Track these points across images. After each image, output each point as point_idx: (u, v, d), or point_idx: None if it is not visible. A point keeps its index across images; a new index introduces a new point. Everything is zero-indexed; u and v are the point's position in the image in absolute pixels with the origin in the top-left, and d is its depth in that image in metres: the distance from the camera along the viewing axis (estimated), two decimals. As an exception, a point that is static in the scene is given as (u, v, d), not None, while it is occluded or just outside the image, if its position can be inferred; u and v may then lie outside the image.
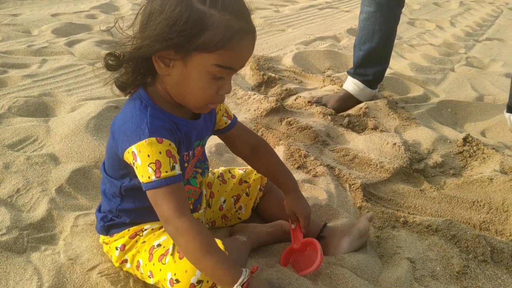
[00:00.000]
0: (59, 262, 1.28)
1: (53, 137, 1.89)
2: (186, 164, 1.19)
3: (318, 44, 3.68)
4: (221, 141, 1.94)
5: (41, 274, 1.24)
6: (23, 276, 1.23)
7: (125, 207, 1.22)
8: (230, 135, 1.37)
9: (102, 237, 1.30)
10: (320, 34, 3.95)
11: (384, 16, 2.32)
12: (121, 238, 1.25)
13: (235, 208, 1.47)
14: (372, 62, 2.45)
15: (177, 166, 1.06)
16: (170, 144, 1.06)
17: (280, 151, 1.97)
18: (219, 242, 1.18)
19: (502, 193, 1.78)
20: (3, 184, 1.59)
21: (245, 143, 1.40)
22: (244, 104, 2.46)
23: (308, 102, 2.46)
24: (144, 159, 1.04)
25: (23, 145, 1.84)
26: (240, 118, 2.26)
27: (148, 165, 1.04)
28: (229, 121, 1.35)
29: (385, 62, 2.51)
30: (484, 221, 1.66)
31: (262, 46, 3.49)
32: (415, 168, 1.95)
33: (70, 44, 3.12)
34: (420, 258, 1.41)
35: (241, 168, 1.53)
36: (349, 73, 2.55)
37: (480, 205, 1.74)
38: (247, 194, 1.47)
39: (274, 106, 2.31)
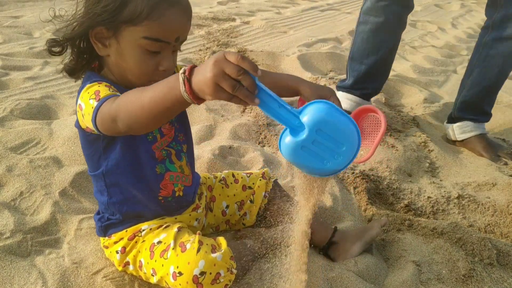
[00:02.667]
0: (64, 266, 1.27)
1: (56, 139, 1.88)
2: (149, 137, 1.18)
3: (320, 46, 3.67)
4: (225, 143, 1.96)
5: (45, 278, 1.23)
6: (27, 280, 1.22)
7: (115, 200, 1.23)
8: None
9: (102, 240, 1.30)
10: (322, 36, 3.95)
11: (395, 25, 2.17)
12: (120, 240, 1.25)
13: (239, 214, 1.46)
14: (375, 75, 2.27)
15: (118, 94, 1.03)
16: (110, 86, 1.07)
17: (283, 153, 1.96)
18: (221, 239, 1.18)
19: (506, 195, 1.77)
20: (6, 187, 1.58)
21: None
22: (247, 106, 2.45)
23: None
24: (86, 99, 1.03)
25: (25, 148, 1.83)
26: (243, 120, 2.25)
27: (89, 99, 1.02)
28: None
29: (387, 73, 2.36)
30: (489, 224, 1.65)
31: (265, 48, 3.49)
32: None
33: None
34: (425, 261, 1.41)
35: (245, 172, 1.51)
36: (341, 88, 2.33)
37: (484, 208, 1.73)
38: (252, 201, 1.46)
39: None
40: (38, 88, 2.42)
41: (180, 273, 1.09)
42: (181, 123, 1.31)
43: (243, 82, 0.81)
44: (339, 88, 2.33)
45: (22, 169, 1.67)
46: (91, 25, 1.06)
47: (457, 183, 1.91)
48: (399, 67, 3.35)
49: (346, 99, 2.28)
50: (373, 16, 2.14)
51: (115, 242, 1.25)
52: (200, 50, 3.32)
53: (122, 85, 1.14)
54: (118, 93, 1.04)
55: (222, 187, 1.45)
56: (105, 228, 1.27)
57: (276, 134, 2.14)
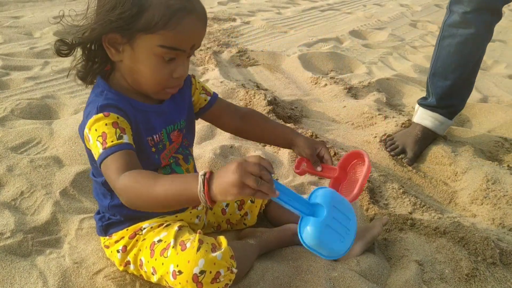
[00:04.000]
0: (64, 266, 1.27)
1: (56, 139, 1.88)
2: (153, 149, 1.18)
3: (320, 46, 3.67)
4: (226, 143, 1.95)
5: (46, 278, 1.22)
6: (28, 280, 1.22)
7: (116, 203, 1.21)
8: (214, 111, 1.36)
9: (102, 239, 1.29)
10: (322, 36, 3.94)
11: (484, 36, 2.02)
12: (121, 239, 1.24)
13: (240, 214, 1.45)
14: (460, 90, 2.12)
15: (126, 136, 1.04)
16: (118, 118, 1.06)
17: (285, 153, 1.96)
18: (222, 238, 1.17)
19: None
20: (6, 187, 1.58)
21: (232, 115, 1.39)
22: (247, 105, 2.44)
23: (383, 143, 2.14)
24: (93, 135, 1.04)
25: (26, 148, 1.83)
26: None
27: (97, 140, 1.03)
28: (209, 98, 1.35)
29: (472, 88, 2.17)
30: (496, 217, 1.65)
31: (265, 48, 3.48)
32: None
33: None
34: (428, 261, 1.40)
35: None
36: (424, 105, 2.17)
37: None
38: (252, 201, 1.45)
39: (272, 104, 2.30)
40: (39, 88, 2.41)
41: (180, 272, 1.08)
42: (189, 129, 1.31)
43: (264, 178, 0.87)
44: (423, 105, 2.18)
45: (23, 169, 1.66)
46: (104, 32, 1.04)
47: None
48: (400, 66, 3.34)
49: (431, 118, 2.14)
50: (462, 28, 2.01)
51: (116, 241, 1.25)
52: (201, 50, 3.31)
53: (132, 91, 1.13)
54: (124, 140, 1.03)
55: None
56: (106, 227, 1.26)
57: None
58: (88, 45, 1.11)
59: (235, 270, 1.12)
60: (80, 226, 1.43)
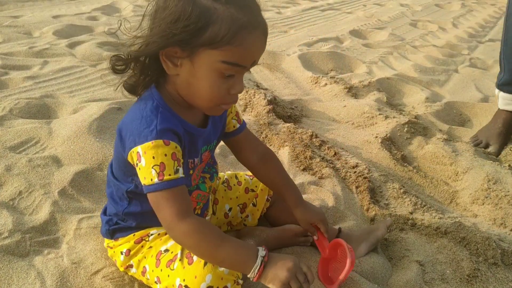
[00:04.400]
0: (63, 266, 1.26)
1: (55, 139, 1.87)
2: (191, 172, 1.16)
3: (320, 46, 3.66)
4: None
5: (44, 278, 1.21)
6: (25, 280, 1.21)
7: (132, 210, 1.19)
8: (237, 140, 1.33)
9: (106, 241, 1.27)
10: (322, 36, 3.93)
11: None
12: (126, 242, 1.22)
13: (241, 217, 1.44)
14: None
15: (181, 170, 1.04)
16: (176, 147, 1.04)
17: (285, 153, 1.95)
18: None
19: None
20: (4, 186, 1.57)
21: (253, 150, 1.35)
22: (247, 105, 2.43)
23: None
24: (148, 160, 1.01)
25: (25, 147, 1.81)
26: (244, 119, 2.23)
27: (152, 167, 1.01)
28: (238, 125, 1.31)
29: None
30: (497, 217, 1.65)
31: (265, 47, 3.47)
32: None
33: (72, 45, 3.10)
34: (429, 261, 1.39)
35: (247, 174, 1.48)
36: (503, 86, 2.12)
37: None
38: (254, 205, 1.44)
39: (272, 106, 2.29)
40: (38, 87, 2.40)
41: (187, 287, 1.06)
42: (215, 148, 1.30)
43: (304, 286, 1.04)
44: (502, 87, 2.14)
45: (21, 168, 1.65)
46: (164, 45, 0.99)
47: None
48: (400, 66, 3.33)
49: (510, 101, 2.14)
50: None
51: (120, 245, 1.23)
52: (201, 49, 3.30)
53: (183, 107, 1.10)
54: (180, 175, 1.03)
55: (225, 190, 1.43)
56: (113, 231, 1.24)
57: (277, 133, 2.12)
58: (143, 58, 1.07)
59: (241, 282, 1.11)
60: (78, 226, 1.42)
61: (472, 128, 2.46)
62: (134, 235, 1.21)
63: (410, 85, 2.93)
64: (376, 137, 2.16)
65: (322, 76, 2.95)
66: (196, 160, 1.16)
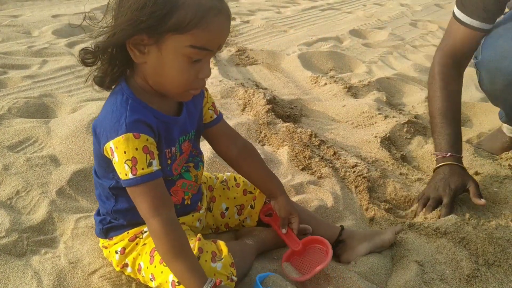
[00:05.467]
0: (60, 266, 1.25)
1: (53, 138, 1.86)
2: (169, 161, 1.16)
3: (320, 45, 3.65)
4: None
5: (41, 278, 1.21)
6: (22, 280, 1.20)
7: (120, 207, 1.19)
8: (215, 131, 1.33)
9: (101, 241, 1.27)
10: (322, 35, 3.93)
11: None
12: (120, 241, 1.22)
13: (239, 219, 1.43)
14: None
15: (155, 162, 1.05)
16: (147, 139, 1.04)
17: (284, 152, 1.94)
18: (222, 245, 1.16)
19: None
20: (2, 186, 1.56)
21: (232, 143, 1.36)
22: (246, 104, 2.43)
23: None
24: (120, 155, 1.02)
25: (23, 147, 1.81)
26: (243, 118, 2.23)
27: (125, 162, 1.02)
28: (215, 115, 1.33)
29: None
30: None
31: (265, 47, 3.47)
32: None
33: (71, 45, 3.10)
34: (429, 261, 1.38)
35: None
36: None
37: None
38: (252, 207, 1.43)
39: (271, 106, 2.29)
40: (36, 86, 2.40)
41: (179, 283, 1.06)
42: (196, 139, 1.30)
43: None
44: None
45: (19, 167, 1.64)
46: (132, 33, 0.99)
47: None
48: (400, 66, 3.32)
49: None
50: None
51: (115, 243, 1.22)
52: (200, 49, 3.29)
53: (154, 96, 1.11)
54: (154, 168, 1.04)
55: (223, 188, 1.42)
56: (106, 230, 1.23)
57: (276, 133, 2.11)
58: (110, 49, 1.07)
59: (235, 279, 1.11)
60: (76, 225, 1.41)
61: (472, 128, 2.45)
62: (128, 233, 1.21)
63: (410, 85, 2.93)
64: (376, 136, 2.16)
65: (322, 76, 2.95)
66: (173, 149, 1.16)
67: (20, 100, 2.17)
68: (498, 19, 1.77)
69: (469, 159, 2.00)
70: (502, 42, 1.68)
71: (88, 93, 2.37)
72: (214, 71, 2.87)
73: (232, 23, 4.11)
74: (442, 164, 1.69)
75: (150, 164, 1.03)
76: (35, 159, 1.70)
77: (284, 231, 1.35)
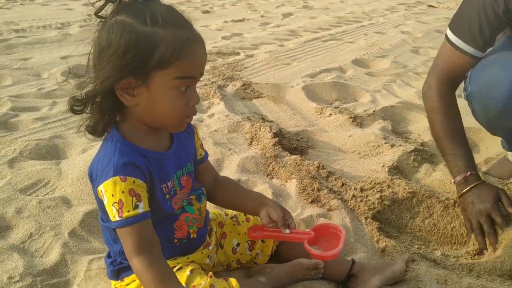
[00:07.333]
0: (74, 309, 1.26)
1: (64, 179, 1.89)
2: (167, 196, 1.19)
3: (324, 76, 3.70)
4: (233, 176, 1.95)
5: (55, 322, 1.21)
6: (37, 325, 1.21)
7: None
8: (200, 168, 1.38)
9: (113, 282, 1.27)
10: (325, 66, 3.98)
11: None
12: (132, 281, 1.22)
13: (251, 255, 1.43)
14: None
15: (141, 204, 1.08)
16: (134, 182, 1.07)
17: (292, 185, 1.95)
18: (234, 282, 1.15)
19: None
20: (15, 229, 1.58)
21: (211, 176, 1.42)
22: (253, 138, 2.45)
23: None
24: (109, 198, 1.07)
25: (35, 189, 1.84)
26: (251, 153, 2.25)
27: (112, 205, 1.07)
28: (204, 153, 1.38)
29: None
30: None
31: (269, 80, 3.52)
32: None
33: (81, 85, 3.16)
34: (443, 293, 1.37)
35: None
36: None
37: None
38: (263, 241, 1.43)
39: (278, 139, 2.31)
40: (47, 128, 2.44)
41: None
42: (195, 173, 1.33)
43: None
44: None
45: (31, 210, 1.67)
46: (119, 77, 1.04)
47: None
48: (404, 93, 3.35)
49: None
50: None
51: (127, 285, 1.23)
52: (206, 84, 3.35)
53: (145, 134, 1.15)
54: (140, 211, 1.07)
55: (234, 224, 1.44)
56: (117, 271, 1.25)
57: (283, 166, 2.13)
58: (99, 98, 1.11)
59: None
60: (89, 267, 1.42)
61: (479, 153, 2.45)
62: None
63: (415, 112, 2.95)
64: (383, 166, 2.16)
65: (327, 107, 2.98)
66: (169, 184, 1.19)
67: (31, 142, 2.22)
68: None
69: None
70: (490, 71, 1.71)
71: (97, 132, 2.41)
72: (220, 106, 2.92)
73: (237, 57, 4.19)
74: (469, 188, 1.69)
75: (136, 207, 1.07)
76: (47, 201, 1.72)
77: (287, 231, 1.33)
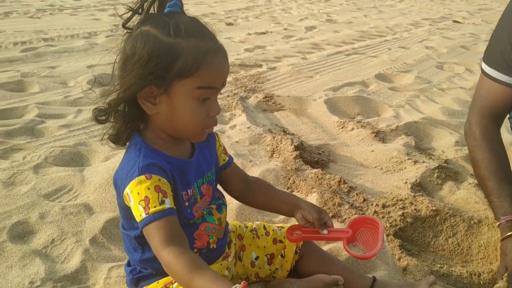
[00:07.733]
0: (92, 316, 1.26)
1: (87, 186, 1.91)
2: (187, 203, 1.19)
3: (346, 90, 3.69)
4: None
5: (74, 329, 1.22)
6: (56, 331, 1.21)
7: (147, 257, 1.20)
8: (227, 173, 1.39)
9: (132, 291, 1.27)
10: (348, 80, 3.97)
11: None
12: None
13: (270, 269, 1.42)
14: None
15: (167, 200, 1.07)
16: (159, 179, 1.08)
17: (313, 199, 1.93)
18: None
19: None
20: (38, 234, 1.60)
21: (240, 180, 1.42)
22: (274, 150, 2.45)
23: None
24: (135, 198, 1.06)
25: (58, 195, 1.87)
26: (271, 165, 2.25)
27: (139, 203, 1.06)
28: (227, 158, 1.39)
29: None
30: None
31: (291, 93, 3.52)
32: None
33: (104, 94, 3.21)
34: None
35: (276, 226, 1.48)
36: None
37: None
38: (282, 256, 1.42)
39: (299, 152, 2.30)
40: (72, 135, 2.49)
41: None
42: (217, 182, 1.34)
43: None
44: None
45: (54, 216, 1.69)
46: (143, 86, 1.07)
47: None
48: (428, 109, 3.31)
49: None
50: None
51: (146, 293, 1.23)
52: (228, 96, 3.37)
53: (168, 142, 1.17)
54: (166, 206, 1.06)
55: (253, 237, 1.43)
56: (137, 280, 1.25)
57: (304, 179, 2.11)
58: (122, 107, 1.13)
59: None
60: (108, 275, 1.43)
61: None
62: (158, 282, 1.22)
63: (439, 129, 2.91)
64: (406, 182, 2.13)
65: (349, 121, 2.96)
66: (189, 191, 1.19)
67: (56, 149, 2.26)
68: None
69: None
70: None
71: (120, 141, 2.44)
72: (242, 117, 2.93)
73: (259, 69, 4.21)
74: None
75: (162, 202, 1.06)
76: (69, 207, 1.75)
77: (325, 231, 1.34)
